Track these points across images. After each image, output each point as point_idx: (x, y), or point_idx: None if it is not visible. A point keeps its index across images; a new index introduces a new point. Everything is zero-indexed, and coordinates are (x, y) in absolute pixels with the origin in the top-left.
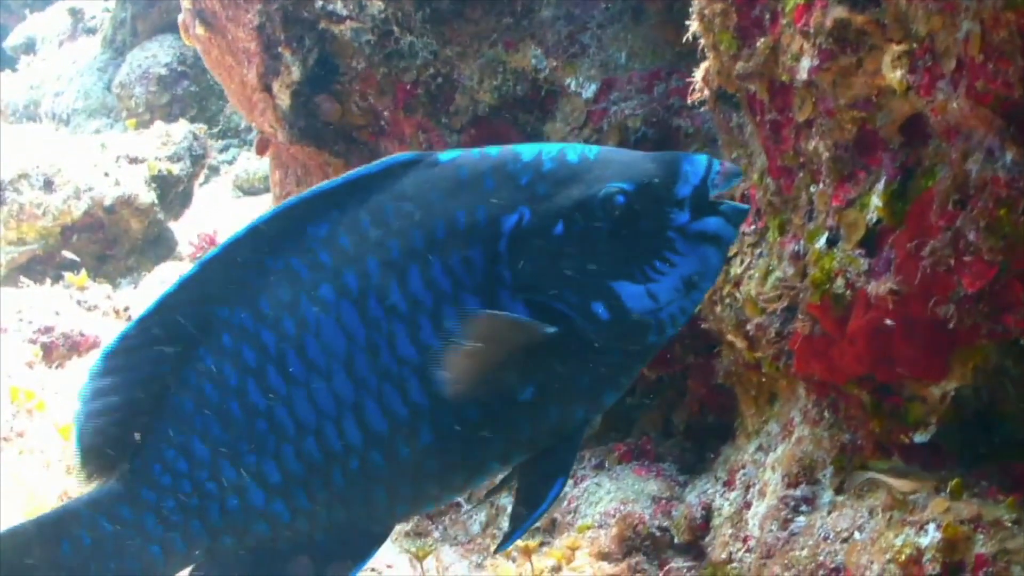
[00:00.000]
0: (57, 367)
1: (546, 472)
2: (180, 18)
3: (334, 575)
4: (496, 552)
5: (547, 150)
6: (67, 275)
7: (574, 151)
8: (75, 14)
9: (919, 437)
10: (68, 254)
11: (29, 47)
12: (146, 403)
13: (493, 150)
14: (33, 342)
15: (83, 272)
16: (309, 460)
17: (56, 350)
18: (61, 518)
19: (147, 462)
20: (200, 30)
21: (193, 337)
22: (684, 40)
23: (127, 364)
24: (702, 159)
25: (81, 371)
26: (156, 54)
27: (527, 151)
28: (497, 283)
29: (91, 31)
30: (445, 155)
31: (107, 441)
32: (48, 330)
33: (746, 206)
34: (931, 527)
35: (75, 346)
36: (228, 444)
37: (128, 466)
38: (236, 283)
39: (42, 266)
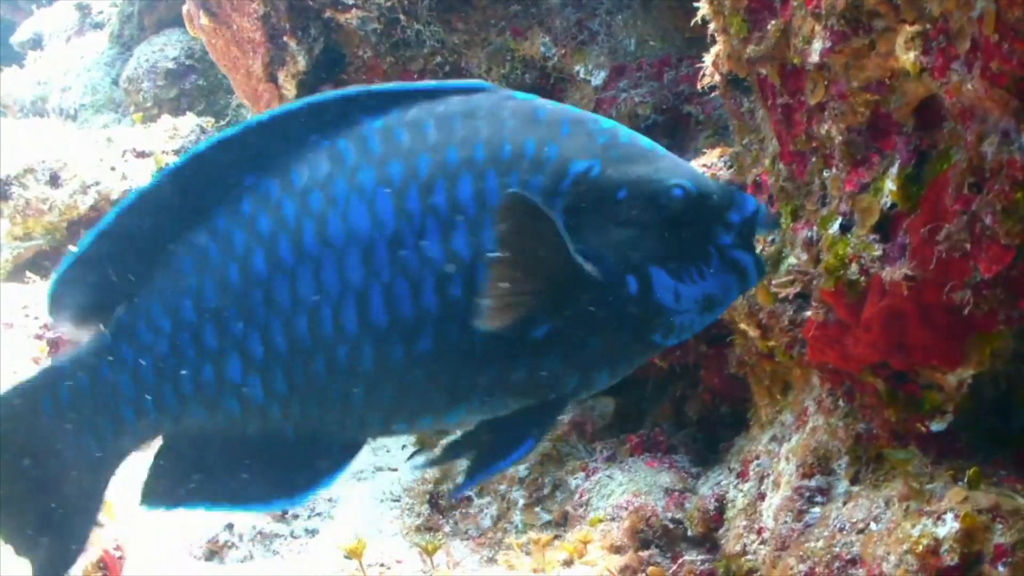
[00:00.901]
0: None
1: (519, 430)
2: (185, 9)
3: (306, 484)
4: (450, 497)
5: (623, 128)
6: None
7: (646, 139)
8: (82, 9)
9: (936, 425)
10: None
11: (36, 43)
12: (146, 255)
13: (574, 107)
14: (39, 338)
15: None
16: (296, 339)
17: (62, 346)
18: (48, 372)
19: (133, 317)
20: (205, 21)
21: (210, 196)
22: (693, 25)
23: (139, 213)
24: (751, 199)
25: None
26: (163, 48)
27: (605, 120)
28: None
29: (98, 26)
30: (520, 94)
31: (97, 286)
32: (54, 325)
33: (777, 225)
34: (949, 517)
35: None
36: (217, 309)
37: (114, 319)
38: (272, 153)
39: (48, 262)
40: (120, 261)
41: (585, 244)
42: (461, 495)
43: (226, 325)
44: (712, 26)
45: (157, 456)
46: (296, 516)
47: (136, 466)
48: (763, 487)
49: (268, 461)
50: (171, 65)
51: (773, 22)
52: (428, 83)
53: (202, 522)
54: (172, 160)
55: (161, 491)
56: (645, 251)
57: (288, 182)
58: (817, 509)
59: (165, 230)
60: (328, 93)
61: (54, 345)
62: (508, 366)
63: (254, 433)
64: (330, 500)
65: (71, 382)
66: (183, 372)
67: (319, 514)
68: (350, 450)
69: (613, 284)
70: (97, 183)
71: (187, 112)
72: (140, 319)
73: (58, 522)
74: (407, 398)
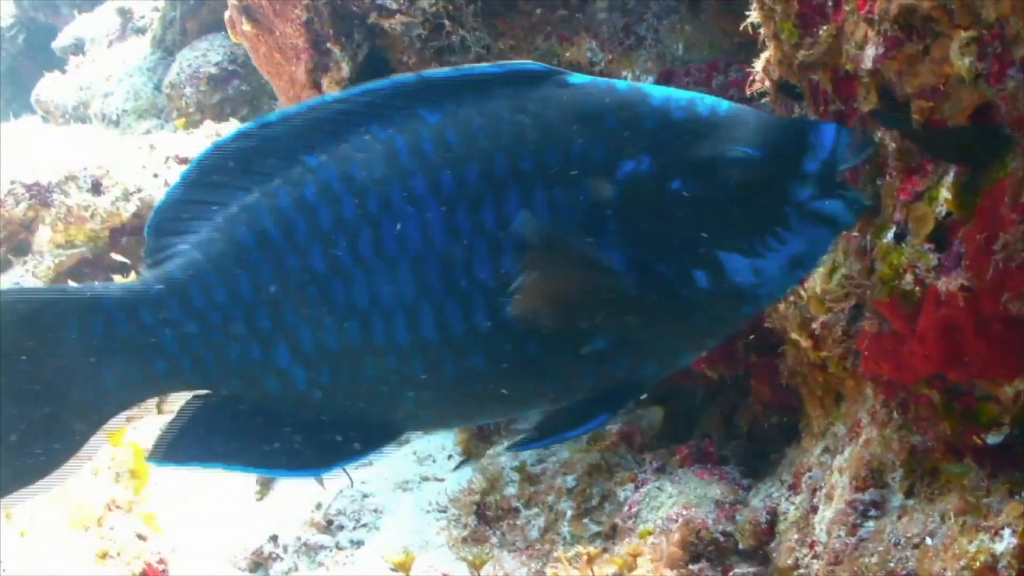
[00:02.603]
0: None
1: (592, 404)
2: (227, 15)
3: (338, 457)
4: (507, 449)
5: (676, 97)
6: (116, 278)
7: (704, 103)
8: (124, 14)
9: (992, 438)
10: (117, 256)
11: (78, 48)
12: (212, 215)
13: (622, 84)
14: None
15: (132, 275)
16: (347, 342)
17: None
18: (83, 295)
19: (187, 277)
20: (247, 27)
21: (275, 169)
22: (742, 29)
23: (213, 170)
24: (831, 129)
25: None
26: (206, 53)
27: (657, 94)
28: (599, 227)
29: (140, 31)
30: (575, 77)
31: (163, 235)
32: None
33: (868, 201)
34: (1006, 532)
35: None
36: (274, 295)
37: (165, 271)
38: (336, 136)
39: (91, 269)
40: (183, 214)
41: (643, 247)
42: (522, 450)
43: (280, 312)
44: (762, 31)
45: (179, 413)
46: (341, 527)
47: (179, 478)
48: (815, 500)
49: (301, 432)
50: (214, 70)
51: (825, 27)
52: (482, 67)
53: (246, 534)
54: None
55: (177, 449)
56: (710, 238)
57: (348, 175)
58: (871, 523)
59: (226, 191)
60: (387, 80)
61: None
62: (572, 374)
63: (289, 409)
64: (375, 511)
65: (106, 318)
66: (230, 345)
67: (364, 525)
68: (391, 434)
69: (679, 282)
70: (139, 190)
71: (230, 118)
72: (194, 281)
73: (38, 444)
74: (461, 404)
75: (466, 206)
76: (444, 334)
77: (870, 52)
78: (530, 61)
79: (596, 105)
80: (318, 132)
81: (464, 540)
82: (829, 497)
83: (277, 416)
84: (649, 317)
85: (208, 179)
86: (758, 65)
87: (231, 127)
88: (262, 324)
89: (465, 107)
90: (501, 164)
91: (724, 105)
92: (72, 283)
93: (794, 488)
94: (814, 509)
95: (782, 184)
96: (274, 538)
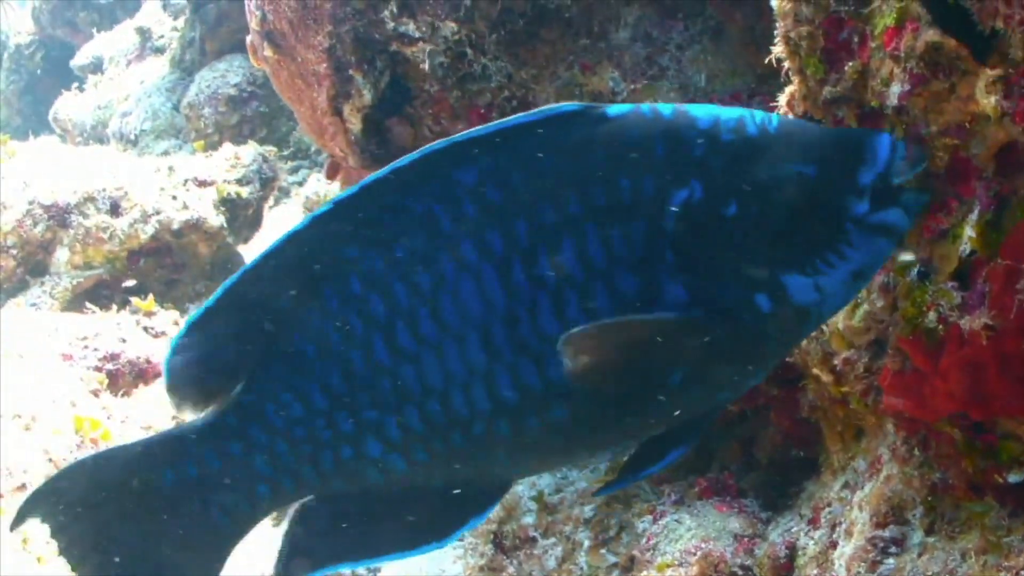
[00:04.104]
0: (123, 395)
1: (671, 438)
2: (248, 40)
3: (449, 524)
4: (595, 495)
5: (726, 117)
6: (134, 300)
7: (754, 121)
8: (143, 33)
9: (1014, 477)
10: (132, 282)
11: (96, 67)
12: (260, 336)
13: (666, 108)
14: (99, 370)
15: (150, 297)
16: (431, 421)
17: (122, 378)
18: (168, 444)
19: (260, 400)
20: (269, 52)
21: (319, 275)
22: (767, 62)
23: (247, 294)
24: (886, 141)
25: (147, 400)
26: (225, 74)
27: (704, 116)
28: (657, 262)
29: (159, 50)
30: (614, 109)
31: (210, 371)
32: (114, 357)
33: (927, 194)
34: None
35: (141, 374)
36: (348, 396)
37: (236, 400)
38: (371, 223)
39: (108, 291)
40: (234, 337)
41: (703, 276)
42: (607, 494)
43: (359, 410)
44: (787, 65)
45: (292, 523)
46: None
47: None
48: (835, 535)
49: (413, 511)
50: (232, 91)
51: (851, 63)
52: (515, 118)
53: (262, 560)
54: (234, 189)
55: (300, 558)
56: (770, 261)
57: (392, 257)
58: (891, 560)
59: (275, 306)
60: (416, 152)
61: (113, 378)
62: (649, 412)
63: (397, 492)
64: None
65: (197, 460)
66: (322, 453)
67: None
68: (500, 488)
69: (741, 310)
70: (158, 212)
71: (248, 139)
72: (267, 402)
73: None
74: (550, 455)
75: (520, 262)
76: (523, 393)
77: (896, 89)
78: (566, 103)
79: (641, 136)
80: (352, 223)
81: (481, 569)
82: (849, 533)
83: (388, 501)
84: (715, 347)
85: (252, 295)
86: (782, 99)
87: (250, 150)
88: (345, 426)
89: (503, 160)
90: (548, 213)
91: (775, 121)
92: (90, 305)
93: (813, 523)
94: (833, 544)
95: (839, 200)
96: None
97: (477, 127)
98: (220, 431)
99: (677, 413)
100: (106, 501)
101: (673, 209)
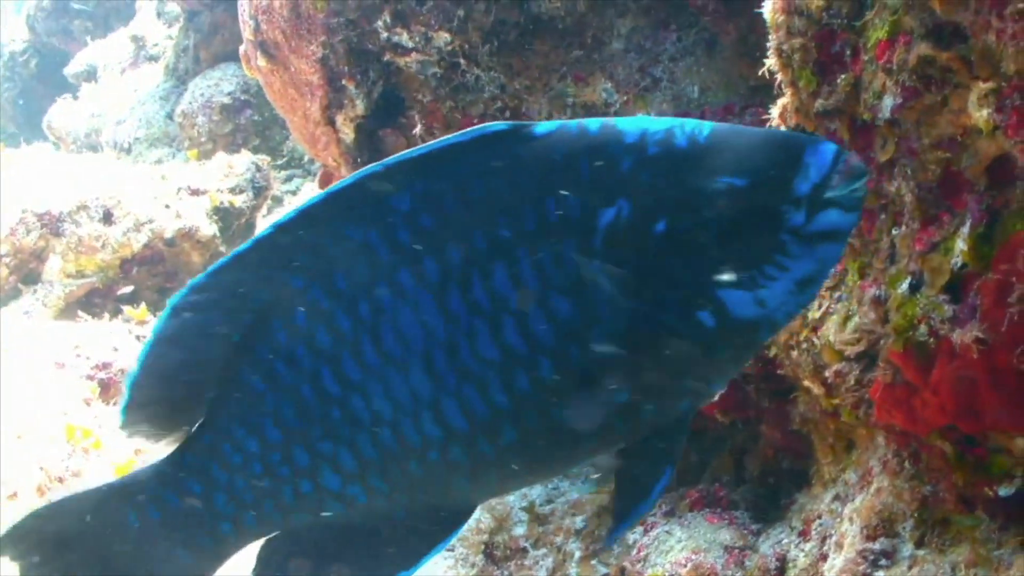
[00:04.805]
0: (115, 404)
1: (652, 462)
2: (242, 49)
3: (415, 551)
4: (604, 547)
5: (653, 130)
6: (126, 309)
7: (683, 132)
8: (137, 41)
9: (1004, 490)
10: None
11: (90, 74)
12: (212, 368)
13: (593, 124)
14: (91, 378)
15: (143, 306)
16: (385, 449)
17: (114, 387)
18: (127, 488)
19: (216, 438)
20: (262, 62)
21: (266, 305)
22: (760, 74)
23: (194, 324)
24: (827, 151)
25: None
26: (219, 83)
27: (631, 130)
28: (592, 284)
29: (153, 59)
30: (542, 127)
31: (164, 405)
32: (106, 366)
33: (862, 180)
34: None
35: None
36: (301, 429)
37: (195, 436)
38: (312, 251)
39: (101, 299)
40: (182, 372)
41: (639, 297)
42: (615, 540)
43: (312, 442)
44: (779, 78)
45: (259, 559)
46: None
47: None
48: (825, 547)
49: (378, 539)
50: (226, 100)
51: (843, 76)
52: (440, 141)
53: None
54: (227, 198)
55: None
56: (707, 278)
57: (335, 289)
58: (881, 572)
59: (220, 338)
60: (353, 176)
61: (105, 386)
62: (604, 429)
63: (361, 520)
64: None
65: (160, 502)
66: (281, 488)
67: None
68: (464, 513)
69: (684, 326)
70: (151, 221)
71: (242, 148)
72: (223, 440)
73: None
74: (509, 479)
75: (457, 289)
76: (471, 419)
77: (888, 102)
78: (494, 123)
79: (566, 154)
80: (294, 250)
81: None
82: (839, 545)
83: (353, 531)
84: (665, 363)
85: (193, 329)
86: (774, 112)
87: (243, 159)
88: (301, 460)
89: (435, 185)
90: (479, 239)
91: (707, 130)
92: (82, 314)
93: (804, 535)
94: (824, 557)
95: (773, 211)
96: None
97: (410, 149)
98: (180, 470)
99: (633, 429)
100: (76, 542)
101: (601, 228)
